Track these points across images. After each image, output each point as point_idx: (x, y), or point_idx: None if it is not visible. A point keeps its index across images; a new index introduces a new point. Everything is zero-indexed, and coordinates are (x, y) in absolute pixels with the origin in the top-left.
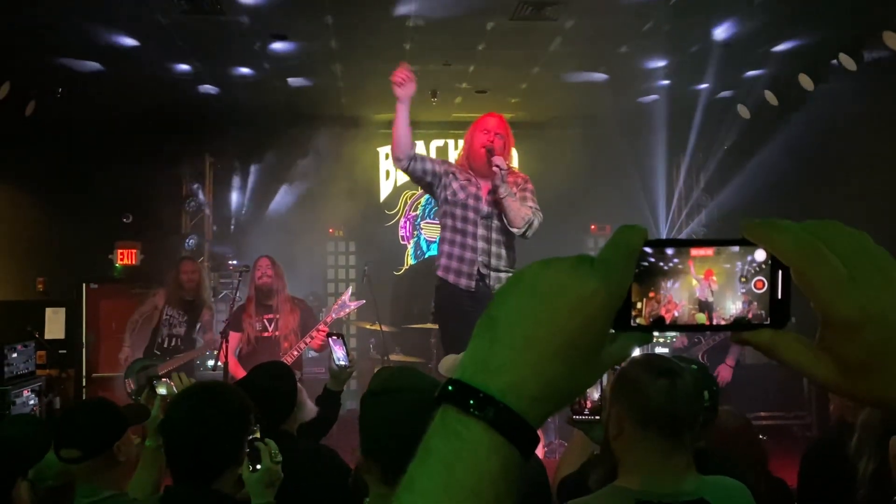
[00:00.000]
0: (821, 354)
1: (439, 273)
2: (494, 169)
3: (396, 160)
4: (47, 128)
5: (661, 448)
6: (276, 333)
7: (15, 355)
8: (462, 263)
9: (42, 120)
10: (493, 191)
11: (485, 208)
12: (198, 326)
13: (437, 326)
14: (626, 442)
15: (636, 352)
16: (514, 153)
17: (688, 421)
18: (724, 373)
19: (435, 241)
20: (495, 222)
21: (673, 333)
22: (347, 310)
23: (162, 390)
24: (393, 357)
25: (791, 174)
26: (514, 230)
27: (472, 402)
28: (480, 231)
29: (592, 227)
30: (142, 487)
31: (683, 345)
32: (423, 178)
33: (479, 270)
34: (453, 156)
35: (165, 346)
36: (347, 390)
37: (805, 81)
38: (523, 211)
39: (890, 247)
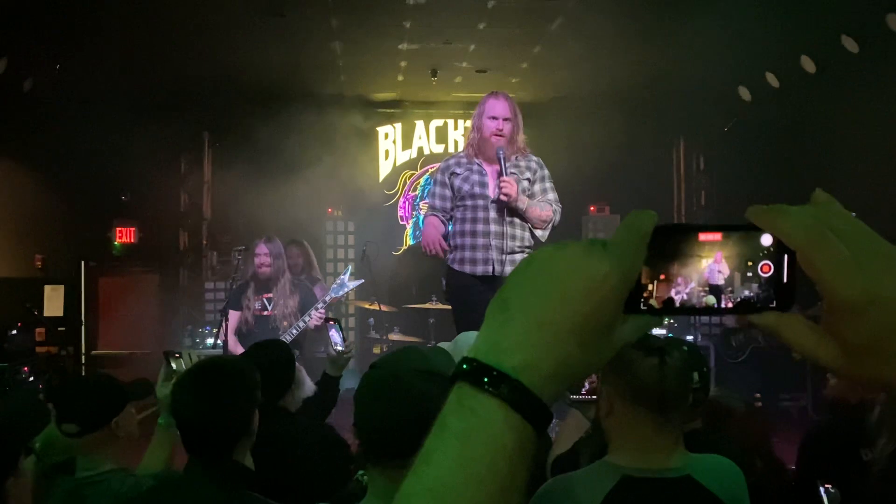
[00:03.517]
0: (825, 337)
1: (454, 267)
2: (503, 198)
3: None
4: (45, 104)
5: (651, 425)
6: (275, 313)
7: (14, 332)
8: (476, 251)
9: (40, 96)
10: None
11: (491, 194)
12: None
13: (437, 307)
14: (617, 420)
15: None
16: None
17: (677, 399)
18: None
19: None
20: (504, 204)
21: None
22: (346, 290)
23: (174, 365)
24: (392, 336)
25: (792, 157)
26: (538, 232)
27: (486, 379)
28: (492, 214)
29: (591, 208)
30: (153, 464)
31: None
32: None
33: (493, 255)
34: (453, 135)
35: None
36: (346, 370)
37: (807, 63)
38: (544, 214)
39: (891, 229)
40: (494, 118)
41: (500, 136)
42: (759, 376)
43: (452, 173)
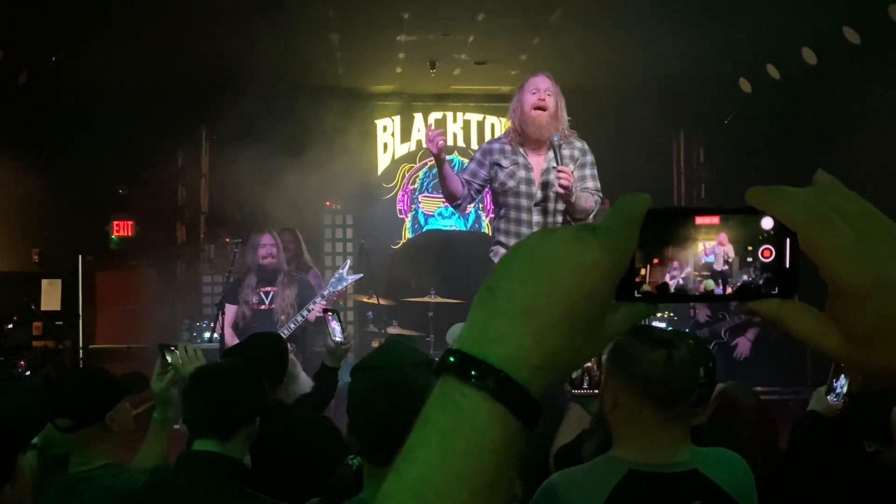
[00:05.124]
0: (829, 324)
1: (496, 261)
2: (560, 191)
3: (457, 207)
4: (41, 97)
5: (656, 420)
6: (273, 307)
7: (11, 326)
8: None
9: (35, 89)
10: (550, 185)
11: (538, 193)
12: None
13: (436, 300)
14: (622, 413)
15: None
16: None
17: (683, 393)
18: (742, 346)
19: (432, 216)
20: (550, 204)
21: (693, 306)
22: (345, 283)
23: (169, 358)
24: (391, 330)
25: (793, 149)
26: (574, 223)
27: (472, 372)
28: (535, 218)
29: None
30: (149, 459)
31: (707, 318)
32: (482, 190)
33: None
34: (452, 128)
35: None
36: (345, 364)
37: (808, 55)
38: (588, 206)
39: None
40: (535, 91)
41: (542, 108)
42: (760, 368)
43: (496, 163)
